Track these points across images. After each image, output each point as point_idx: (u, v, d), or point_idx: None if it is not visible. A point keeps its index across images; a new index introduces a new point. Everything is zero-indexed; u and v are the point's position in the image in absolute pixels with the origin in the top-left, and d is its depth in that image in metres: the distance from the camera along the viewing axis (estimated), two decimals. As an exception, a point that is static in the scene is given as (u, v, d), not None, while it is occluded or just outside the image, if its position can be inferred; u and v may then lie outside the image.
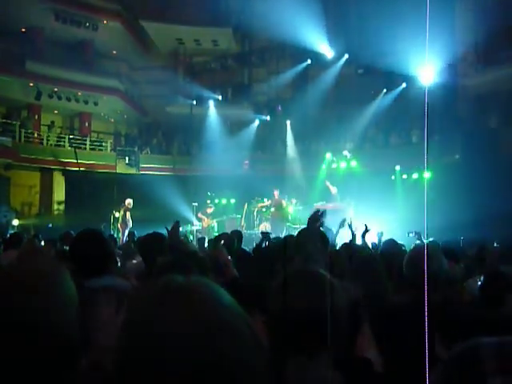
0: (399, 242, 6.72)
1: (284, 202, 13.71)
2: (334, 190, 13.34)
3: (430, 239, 5.04)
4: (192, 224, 14.63)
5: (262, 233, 5.75)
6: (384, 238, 5.79)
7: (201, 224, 14.37)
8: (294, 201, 14.12)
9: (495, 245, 5.11)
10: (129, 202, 12.79)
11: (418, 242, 6.33)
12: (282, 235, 9.51)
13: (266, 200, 14.40)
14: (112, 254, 2.15)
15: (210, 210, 14.42)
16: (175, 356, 0.58)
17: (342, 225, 4.67)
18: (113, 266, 2.15)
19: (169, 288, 0.65)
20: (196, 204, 15.04)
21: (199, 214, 14.49)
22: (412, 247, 2.30)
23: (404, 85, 15.51)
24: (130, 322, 0.65)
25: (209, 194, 16.14)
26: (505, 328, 1.54)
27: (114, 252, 2.18)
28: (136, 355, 0.61)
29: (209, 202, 15.79)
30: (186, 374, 0.58)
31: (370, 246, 5.54)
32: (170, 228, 3.90)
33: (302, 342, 1.22)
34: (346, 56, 16.85)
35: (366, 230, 5.16)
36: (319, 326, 1.22)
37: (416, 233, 7.86)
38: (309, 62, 17.70)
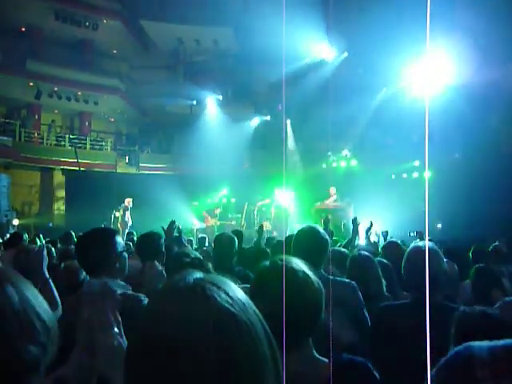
0: (401, 241, 6.70)
1: (285, 201, 13.72)
2: (332, 190, 13.33)
3: (428, 239, 5.02)
4: (192, 223, 14.64)
5: (259, 229, 5.74)
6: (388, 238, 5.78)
7: (203, 223, 14.39)
8: (290, 194, 14.06)
9: (496, 243, 5.08)
10: (128, 201, 12.80)
11: (418, 241, 6.29)
12: (286, 234, 9.50)
13: (266, 199, 14.41)
14: (114, 255, 2.13)
15: (217, 211, 14.47)
16: (191, 351, 0.59)
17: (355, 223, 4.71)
18: (115, 267, 2.13)
19: (185, 284, 0.66)
20: (196, 203, 15.04)
21: (204, 213, 14.52)
22: (410, 248, 2.28)
23: (404, 84, 15.49)
24: (145, 319, 0.65)
25: (209, 196, 16.12)
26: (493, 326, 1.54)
27: (116, 252, 2.15)
28: (151, 351, 0.61)
29: (209, 200, 15.79)
30: (199, 371, 0.58)
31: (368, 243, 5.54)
32: (166, 227, 3.90)
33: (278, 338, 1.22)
34: (346, 55, 16.84)
35: (370, 227, 5.17)
36: (292, 322, 1.20)
37: (417, 232, 7.85)
38: (309, 60, 17.67)
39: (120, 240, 2.15)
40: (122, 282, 2.10)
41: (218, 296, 0.63)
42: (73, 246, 4.69)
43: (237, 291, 0.67)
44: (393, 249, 4.00)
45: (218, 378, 0.58)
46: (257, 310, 0.67)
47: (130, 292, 2.06)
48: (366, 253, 3.08)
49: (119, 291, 2.00)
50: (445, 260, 2.22)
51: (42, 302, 0.91)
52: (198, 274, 0.68)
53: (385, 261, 3.28)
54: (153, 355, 0.60)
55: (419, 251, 2.16)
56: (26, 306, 0.87)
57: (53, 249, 4.50)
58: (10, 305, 0.84)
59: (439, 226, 12.13)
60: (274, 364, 0.65)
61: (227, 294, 0.64)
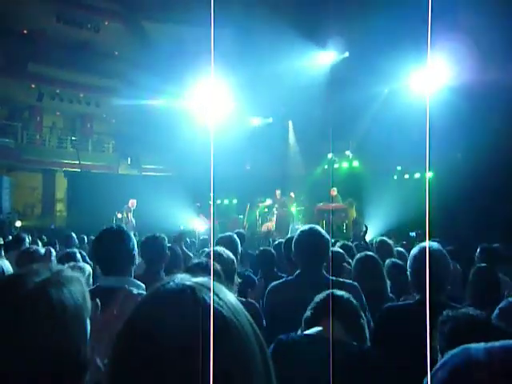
0: (403, 242, 6.70)
1: (286, 202, 13.72)
2: (333, 191, 13.35)
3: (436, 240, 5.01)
4: (195, 225, 14.64)
5: (264, 234, 5.78)
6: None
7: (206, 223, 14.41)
8: (292, 195, 14.05)
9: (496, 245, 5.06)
10: (132, 202, 12.77)
11: (420, 242, 6.29)
12: (288, 235, 9.47)
13: (267, 200, 14.40)
14: (133, 255, 2.12)
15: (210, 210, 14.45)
16: (180, 352, 0.59)
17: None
18: (130, 266, 2.12)
19: (174, 286, 0.66)
20: (198, 204, 15.04)
21: (200, 215, 14.52)
22: (417, 248, 2.27)
23: (406, 84, 15.48)
24: (129, 322, 0.65)
25: (211, 195, 16.14)
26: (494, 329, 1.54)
27: (134, 253, 2.15)
28: (133, 355, 0.61)
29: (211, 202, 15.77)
30: (188, 371, 0.58)
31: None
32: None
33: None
34: (348, 55, 16.84)
35: (365, 231, 5.24)
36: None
37: (418, 233, 7.85)
38: (310, 61, 17.68)
39: (134, 240, 2.15)
40: (138, 282, 2.09)
41: (207, 298, 0.64)
42: (74, 249, 4.70)
43: (227, 294, 0.68)
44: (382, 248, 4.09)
45: (207, 377, 0.58)
46: (247, 313, 0.68)
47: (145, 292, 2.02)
48: (371, 253, 3.08)
49: (135, 291, 1.98)
50: (450, 262, 2.22)
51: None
52: (188, 277, 0.68)
53: (399, 261, 3.28)
54: (141, 356, 0.60)
55: (425, 252, 2.16)
56: (83, 305, 0.88)
57: (53, 251, 4.50)
58: (72, 306, 0.85)
59: None
60: (265, 365, 0.65)
61: (217, 296, 0.65)
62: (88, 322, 0.90)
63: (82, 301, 0.89)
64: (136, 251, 2.13)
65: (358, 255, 3.07)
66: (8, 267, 2.45)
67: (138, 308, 0.67)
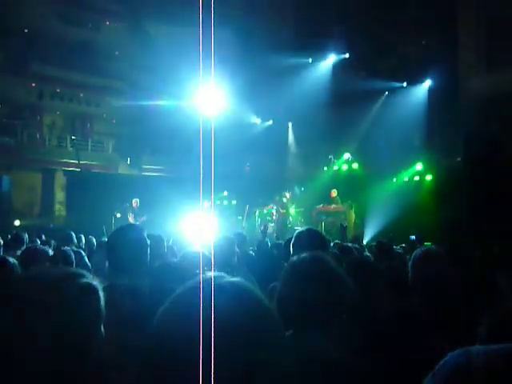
0: (402, 244, 6.70)
1: (285, 203, 13.76)
2: (333, 193, 13.37)
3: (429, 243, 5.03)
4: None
5: (262, 230, 5.77)
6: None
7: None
8: (287, 195, 14.08)
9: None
10: (135, 201, 12.68)
11: (418, 245, 6.31)
12: (286, 237, 9.48)
13: (270, 205, 14.46)
14: (146, 255, 2.11)
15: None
16: (208, 352, 0.59)
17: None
18: (144, 266, 2.11)
19: (204, 288, 0.66)
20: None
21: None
22: (419, 251, 2.27)
23: (406, 87, 15.50)
24: (161, 321, 0.66)
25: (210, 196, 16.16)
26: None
27: (147, 252, 2.14)
28: (165, 355, 0.61)
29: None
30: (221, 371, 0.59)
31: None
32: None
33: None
34: (348, 57, 16.86)
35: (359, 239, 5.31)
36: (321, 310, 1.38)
37: (417, 237, 7.86)
38: (310, 62, 17.68)
39: (147, 239, 2.15)
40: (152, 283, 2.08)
41: (244, 297, 0.65)
42: (68, 248, 4.68)
43: (260, 294, 0.68)
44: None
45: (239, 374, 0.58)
46: (274, 311, 0.68)
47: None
48: (365, 255, 3.08)
49: (141, 289, 1.96)
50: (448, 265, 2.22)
51: None
52: (222, 276, 0.69)
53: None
54: (173, 356, 0.61)
55: (427, 256, 2.15)
56: (98, 311, 0.88)
57: (50, 250, 4.49)
58: (86, 311, 0.85)
59: None
60: (288, 359, 0.66)
61: (252, 295, 0.66)
62: (102, 328, 0.90)
63: (96, 306, 0.89)
64: (148, 251, 2.12)
65: (351, 257, 3.07)
66: (17, 265, 2.46)
67: (170, 305, 0.67)
